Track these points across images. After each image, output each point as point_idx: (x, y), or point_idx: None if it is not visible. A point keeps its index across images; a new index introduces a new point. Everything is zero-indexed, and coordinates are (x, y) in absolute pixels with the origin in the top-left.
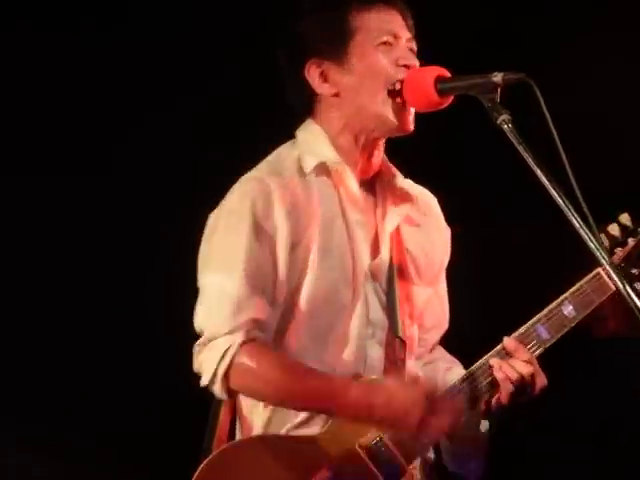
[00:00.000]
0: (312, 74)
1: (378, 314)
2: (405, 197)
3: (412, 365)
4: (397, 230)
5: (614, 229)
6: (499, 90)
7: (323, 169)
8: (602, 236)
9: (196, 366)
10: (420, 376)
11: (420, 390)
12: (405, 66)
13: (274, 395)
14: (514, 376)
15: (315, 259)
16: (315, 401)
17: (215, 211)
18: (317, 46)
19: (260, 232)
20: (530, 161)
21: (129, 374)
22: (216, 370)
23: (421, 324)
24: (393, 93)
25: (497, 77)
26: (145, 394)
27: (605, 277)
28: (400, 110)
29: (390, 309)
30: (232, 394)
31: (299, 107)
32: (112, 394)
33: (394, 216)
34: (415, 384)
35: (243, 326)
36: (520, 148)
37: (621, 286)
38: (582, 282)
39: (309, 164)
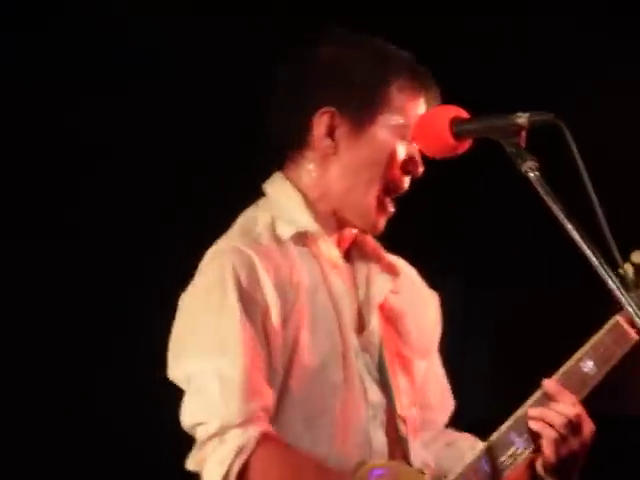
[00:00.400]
0: (321, 122)
1: (376, 393)
2: (390, 265)
3: (417, 447)
4: (383, 301)
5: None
6: (524, 133)
7: (301, 237)
8: (629, 266)
9: (193, 464)
10: (428, 464)
11: None
12: (408, 172)
13: None
14: (559, 420)
15: (306, 335)
16: None
17: (187, 291)
18: (340, 96)
19: (250, 308)
20: (559, 213)
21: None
22: (230, 468)
23: (425, 403)
24: (387, 190)
25: (522, 118)
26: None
27: (625, 325)
28: (381, 211)
29: (385, 387)
30: None
31: (276, 142)
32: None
33: (384, 283)
34: (423, 474)
35: (256, 416)
36: (547, 199)
37: None
38: (600, 334)
39: (285, 232)
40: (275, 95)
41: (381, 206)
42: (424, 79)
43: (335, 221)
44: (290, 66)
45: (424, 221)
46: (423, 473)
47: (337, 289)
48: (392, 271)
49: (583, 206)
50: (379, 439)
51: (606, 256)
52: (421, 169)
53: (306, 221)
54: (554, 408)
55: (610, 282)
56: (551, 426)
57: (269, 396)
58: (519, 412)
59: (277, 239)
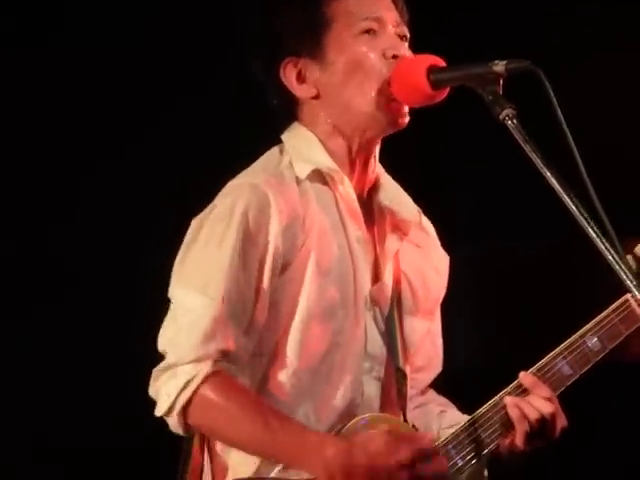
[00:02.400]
0: (288, 75)
1: (377, 346)
2: (407, 214)
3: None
4: (396, 253)
5: None
6: (501, 81)
7: (318, 176)
8: (629, 257)
9: (152, 392)
10: (416, 427)
11: (409, 451)
12: (394, 57)
13: (237, 439)
14: (533, 415)
15: (311, 279)
16: (283, 454)
17: (200, 215)
18: (291, 43)
19: (248, 248)
20: (538, 162)
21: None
22: (175, 401)
23: (412, 363)
24: (383, 88)
25: (499, 66)
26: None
27: (634, 305)
28: (391, 104)
29: (390, 340)
30: (189, 429)
31: (281, 113)
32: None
33: (396, 236)
34: (411, 438)
35: (212, 356)
36: (527, 147)
37: None
38: (608, 311)
39: (303, 171)
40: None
41: (385, 100)
42: None
43: (354, 157)
44: (253, 54)
45: (407, 178)
46: (416, 429)
47: (354, 235)
48: (409, 218)
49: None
50: (372, 392)
51: (588, 207)
52: (403, 50)
53: (322, 158)
54: (531, 401)
55: (594, 236)
56: (525, 418)
57: (236, 341)
58: (497, 398)
59: (297, 179)
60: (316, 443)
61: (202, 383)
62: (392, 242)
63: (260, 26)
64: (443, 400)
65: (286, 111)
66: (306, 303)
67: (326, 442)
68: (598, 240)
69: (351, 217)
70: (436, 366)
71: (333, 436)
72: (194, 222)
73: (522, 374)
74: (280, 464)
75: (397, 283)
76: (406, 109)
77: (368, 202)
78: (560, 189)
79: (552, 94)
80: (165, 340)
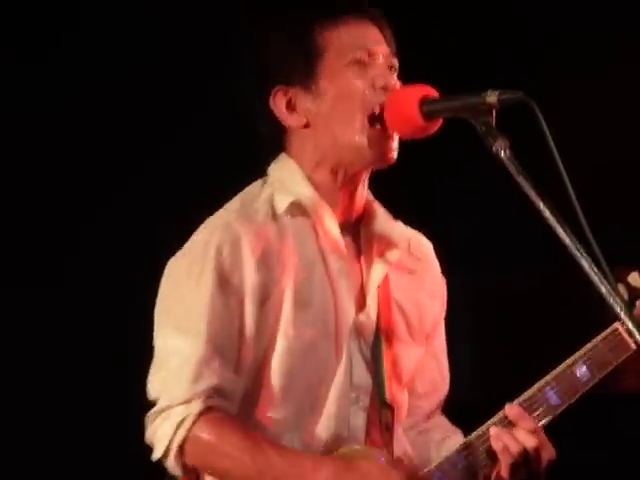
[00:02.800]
0: (278, 103)
1: (363, 377)
2: (395, 241)
3: (401, 435)
4: (385, 280)
5: (635, 279)
6: (494, 112)
7: (298, 209)
8: (621, 286)
9: (148, 436)
10: (407, 452)
11: (401, 475)
12: (383, 88)
13: (237, 472)
14: (515, 448)
15: (289, 313)
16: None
17: (175, 258)
18: (282, 72)
19: (225, 286)
20: (531, 194)
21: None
22: (170, 443)
23: (412, 390)
24: (372, 119)
25: (491, 97)
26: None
27: (624, 334)
28: (380, 138)
29: (376, 371)
30: (188, 470)
31: (269, 142)
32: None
33: (381, 265)
34: (398, 465)
35: (202, 394)
36: (519, 179)
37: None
38: (597, 339)
39: (282, 204)
40: (242, 106)
41: (376, 134)
42: (342, 2)
43: (339, 189)
44: (243, 81)
45: (400, 206)
46: (401, 460)
47: (335, 266)
48: (397, 245)
49: (558, 191)
50: (358, 423)
51: (580, 239)
52: (392, 81)
53: (304, 190)
54: (514, 434)
55: (586, 266)
56: (508, 451)
57: (225, 377)
58: (484, 427)
59: (274, 215)
60: (311, 467)
61: (195, 421)
62: (378, 270)
63: (251, 53)
64: (450, 427)
65: (273, 140)
66: (285, 338)
67: (323, 464)
68: (590, 269)
69: (332, 249)
70: (441, 389)
71: (329, 458)
72: (169, 264)
73: (508, 406)
74: None
75: (387, 311)
76: (395, 144)
77: (355, 231)
78: (553, 220)
79: (544, 125)
80: (155, 387)
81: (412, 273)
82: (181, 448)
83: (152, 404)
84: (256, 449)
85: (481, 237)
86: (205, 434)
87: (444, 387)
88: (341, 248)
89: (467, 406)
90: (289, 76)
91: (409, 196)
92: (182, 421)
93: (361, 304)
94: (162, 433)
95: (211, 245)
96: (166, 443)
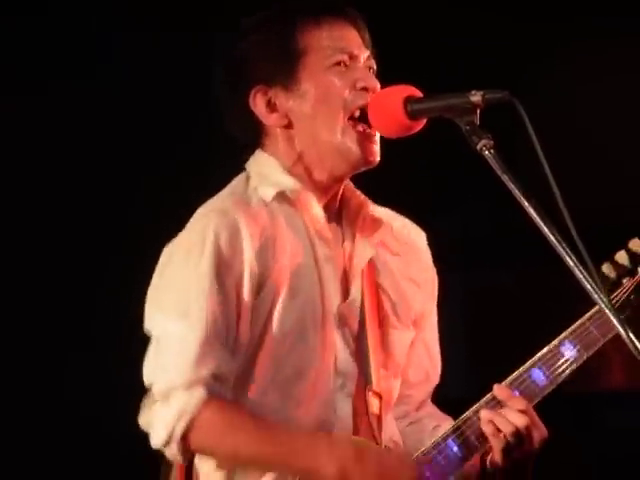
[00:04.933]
0: (258, 103)
1: (348, 363)
2: (377, 224)
3: (390, 423)
4: (369, 265)
5: (622, 257)
6: (478, 111)
7: (284, 198)
8: (608, 266)
9: (143, 423)
10: (395, 439)
11: (393, 460)
12: (364, 89)
13: (243, 456)
14: (507, 429)
15: (284, 300)
16: (297, 462)
17: (169, 246)
18: (262, 71)
19: (224, 272)
20: (516, 192)
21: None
22: (173, 430)
23: (405, 379)
24: (354, 120)
25: (476, 96)
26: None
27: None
28: (363, 140)
29: (361, 358)
30: (189, 456)
31: (244, 140)
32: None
33: (365, 249)
34: (388, 452)
35: (203, 380)
36: (504, 178)
37: (623, 332)
38: (584, 319)
39: (268, 194)
40: (218, 103)
41: (358, 136)
42: (322, 3)
43: (317, 183)
44: (219, 79)
45: (390, 202)
46: (388, 449)
47: (321, 253)
48: (380, 228)
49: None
50: (345, 409)
51: (565, 236)
52: (373, 82)
53: (286, 180)
54: (505, 415)
55: (568, 259)
56: (500, 432)
57: (224, 363)
58: (470, 412)
59: (264, 202)
60: (328, 444)
61: (200, 410)
62: (362, 250)
63: (230, 53)
64: (440, 415)
65: (249, 139)
66: (278, 324)
67: (337, 442)
68: (573, 263)
69: (318, 236)
70: (432, 379)
71: (343, 436)
72: (166, 249)
73: (496, 386)
74: None
75: (372, 297)
76: (377, 147)
77: (338, 218)
78: (537, 217)
79: (529, 124)
80: (151, 370)
81: (396, 255)
82: (184, 435)
83: (145, 391)
84: (267, 434)
85: (471, 232)
86: (211, 421)
87: (435, 377)
88: (326, 235)
89: (456, 399)
90: (270, 76)
91: (399, 192)
92: (184, 409)
93: (346, 291)
94: (162, 421)
95: (209, 230)
96: (168, 431)
